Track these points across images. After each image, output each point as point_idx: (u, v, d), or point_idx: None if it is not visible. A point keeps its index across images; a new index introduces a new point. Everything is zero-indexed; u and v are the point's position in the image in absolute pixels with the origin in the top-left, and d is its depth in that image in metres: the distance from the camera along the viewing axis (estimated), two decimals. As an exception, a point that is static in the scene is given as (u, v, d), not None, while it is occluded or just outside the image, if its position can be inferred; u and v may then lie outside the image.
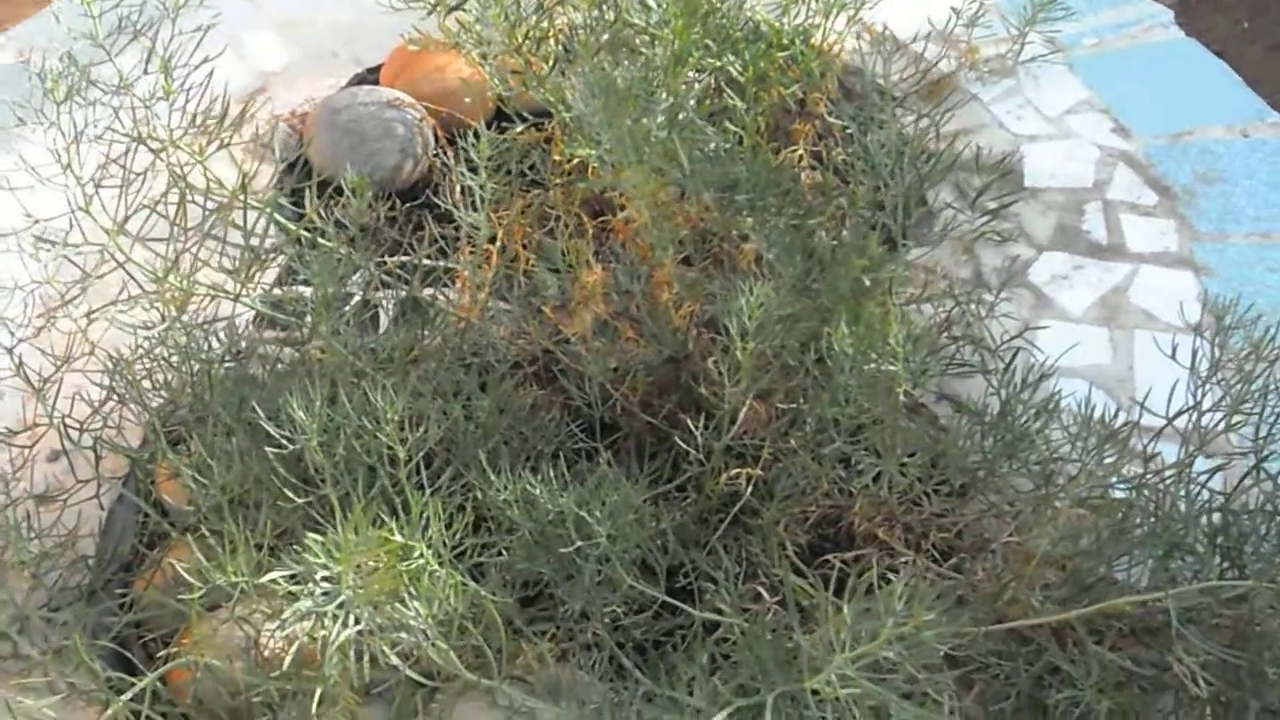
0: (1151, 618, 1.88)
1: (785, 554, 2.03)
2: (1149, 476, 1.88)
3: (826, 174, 2.62)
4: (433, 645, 1.71)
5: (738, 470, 2.11)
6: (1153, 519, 1.82)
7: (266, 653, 1.91)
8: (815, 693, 1.50)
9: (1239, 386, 1.81)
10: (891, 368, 2.03)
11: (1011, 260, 2.57)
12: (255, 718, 1.85)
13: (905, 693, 1.55)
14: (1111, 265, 2.55)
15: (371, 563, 1.69)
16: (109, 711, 1.81)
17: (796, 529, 2.12)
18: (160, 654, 2.02)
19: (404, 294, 2.44)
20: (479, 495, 1.91)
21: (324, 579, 1.62)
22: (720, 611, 1.74)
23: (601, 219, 2.62)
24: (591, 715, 1.70)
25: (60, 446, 2.17)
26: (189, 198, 2.04)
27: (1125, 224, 2.63)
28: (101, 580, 2.13)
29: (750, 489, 2.09)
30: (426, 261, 2.46)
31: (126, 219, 1.99)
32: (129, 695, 1.82)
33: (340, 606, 1.62)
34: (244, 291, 2.07)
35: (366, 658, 1.71)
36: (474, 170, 2.35)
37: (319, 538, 1.61)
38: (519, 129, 2.73)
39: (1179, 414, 1.85)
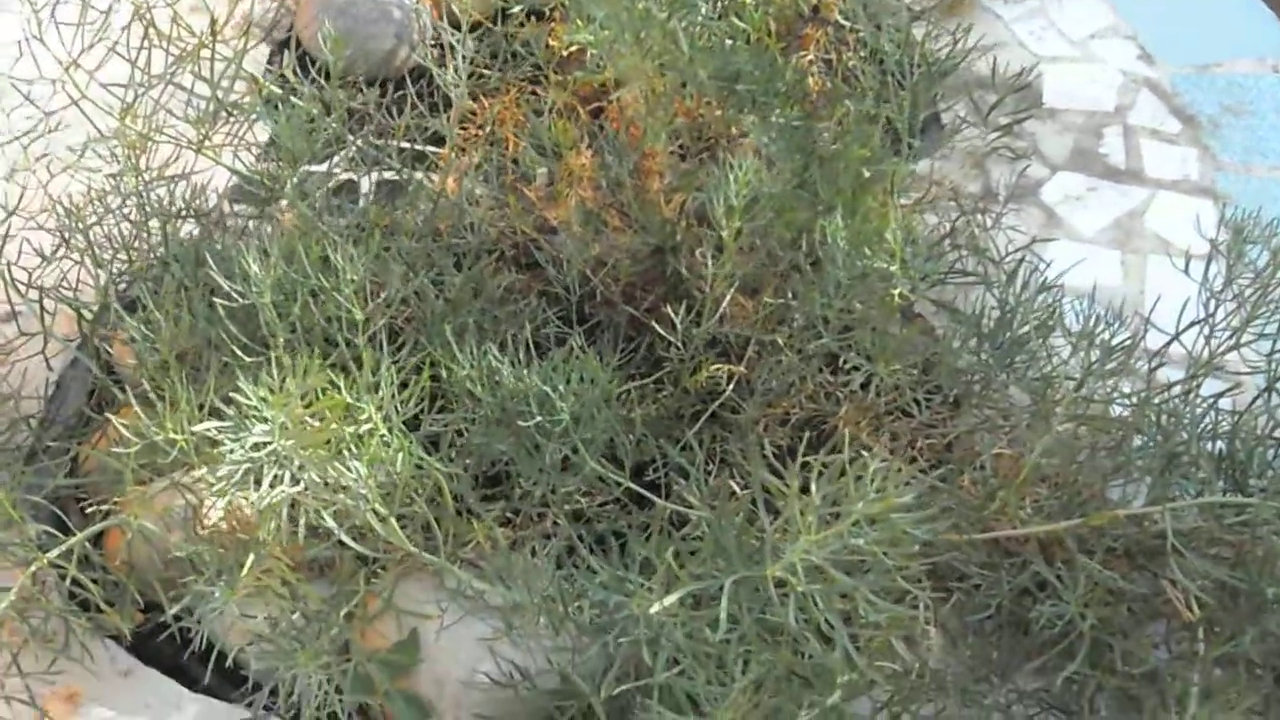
0: (1146, 539, 1.76)
1: (763, 453, 1.91)
2: (1152, 395, 1.75)
3: (835, 80, 2.50)
4: (372, 511, 1.60)
5: (718, 366, 1.99)
6: (1155, 437, 1.70)
7: (208, 524, 1.80)
8: (781, 585, 1.38)
9: (1254, 296, 1.68)
10: (886, 266, 1.92)
11: (1022, 175, 2.44)
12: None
13: (876, 590, 1.44)
14: (1128, 189, 2.43)
15: (314, 420, 1.59)
16: (31, 569, 1.70)
17: (777, 429, 2.00)
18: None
19: (384, 174, 2.32)
20: (443, 373, 1.80)
21: (259, 431, 1.51)
22: (688, 505, 1.61)
23: (596, 108, 2.50)
24: (540, 599, 1.59)
25: (9, 305, 2.05)
26: (155, 43, 1.91)
27: (1145, 150, 2.51)
28: (44, 443, 2.02)
29: (731, 386, 1.98)
30: (409, 145, 2.35)
31: (82, 53, 1.87)
32: (55, 553, 1.71)
33: (273, 457, 1.50)
34: (206, 142, 1.95)
35: (303, 521, 1.59)
36: (470, 60, 2.25)
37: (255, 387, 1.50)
38: (519, 21, 2.61)
39: (1189, 326, 1.73)
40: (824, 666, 1.48)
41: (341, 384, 1.62)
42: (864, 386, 1.96)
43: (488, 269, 2.09)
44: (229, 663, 1.79)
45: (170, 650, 1.85)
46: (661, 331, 1.95)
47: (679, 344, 1.93)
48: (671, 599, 1.41)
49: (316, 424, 1.55)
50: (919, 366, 2.00)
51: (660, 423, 1.96)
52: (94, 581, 1.79)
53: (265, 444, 1.52)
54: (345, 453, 1.58)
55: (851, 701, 1.51)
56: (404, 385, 1.71)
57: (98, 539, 1.85)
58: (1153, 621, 1.68)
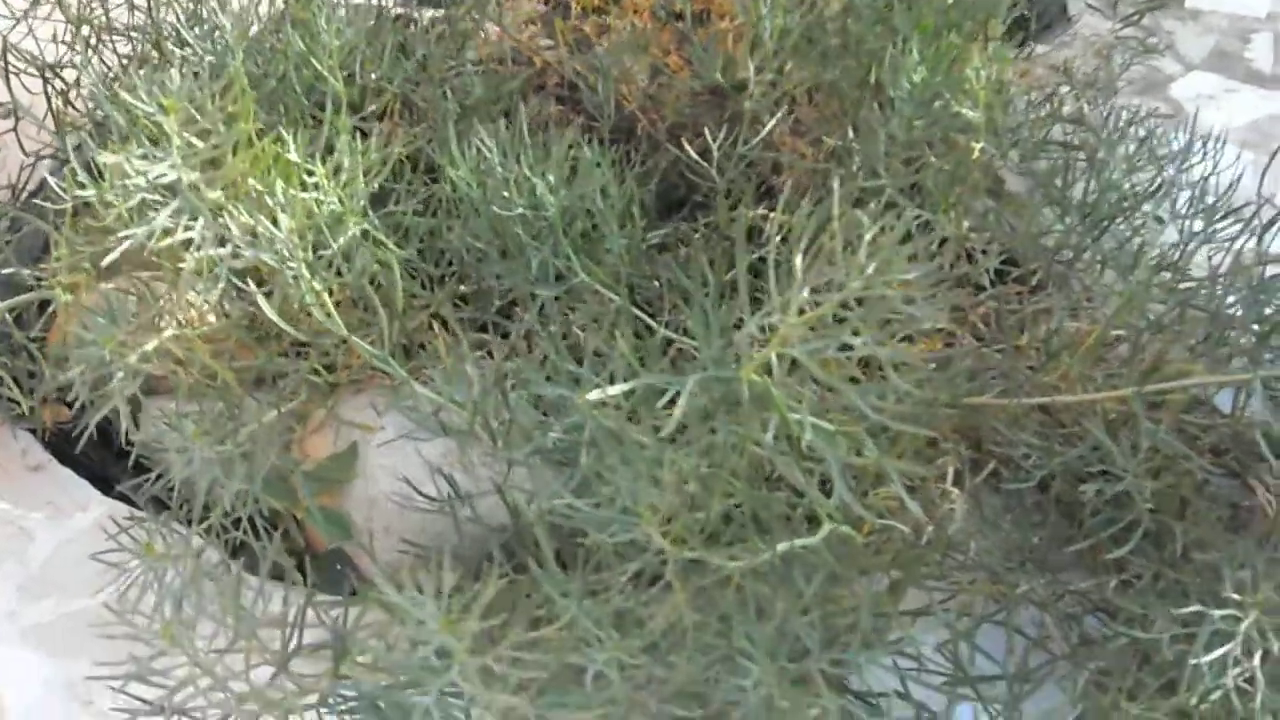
0: (1232, 435, 1.45)
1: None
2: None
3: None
4: (298, 278, 1.36)
5: (764, 212, 1.72)
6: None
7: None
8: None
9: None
10: (968, 113, 1.64)
11: (1152, 68, 2.14)
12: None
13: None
14: (1272, 94, 2.11)
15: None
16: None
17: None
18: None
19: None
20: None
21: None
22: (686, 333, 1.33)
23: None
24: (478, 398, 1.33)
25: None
26: None
27: (1297, 59, 2.19)
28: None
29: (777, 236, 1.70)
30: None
31: None
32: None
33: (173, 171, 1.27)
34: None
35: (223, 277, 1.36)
36: None
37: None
38: None
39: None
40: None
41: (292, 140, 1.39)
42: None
43: (519, 88, 1.84)
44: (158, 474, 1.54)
45: (99, 456, 1.63)
46: (692, 154, 1.68)
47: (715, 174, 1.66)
48: (617, 390, 1.14)
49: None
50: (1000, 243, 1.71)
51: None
52: (30, 374, 1.59)
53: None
54: (270, 201, 1.34)
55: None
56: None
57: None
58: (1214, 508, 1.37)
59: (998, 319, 1.61)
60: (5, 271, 1.67)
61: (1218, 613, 1.11)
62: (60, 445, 1.65)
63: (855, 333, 1.08)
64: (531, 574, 1.13)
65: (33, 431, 1.65)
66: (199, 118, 1.31)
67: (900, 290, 1.08)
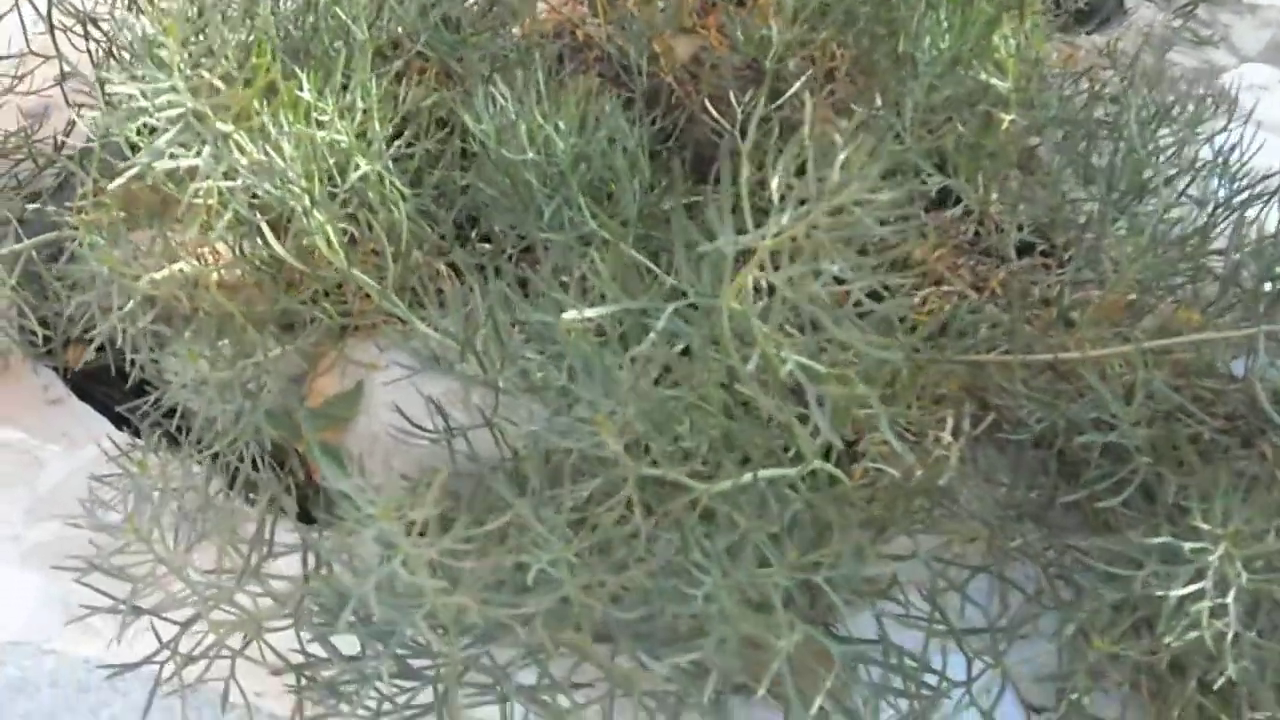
0: (1247, 402, 1.42)
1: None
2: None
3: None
4: (304, 212, 1.37)
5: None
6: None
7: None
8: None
9: None
10: (996, 83, 1.64)
11: (1204, 60, 2.11)
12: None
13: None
14: (1328, 89, 2.07)
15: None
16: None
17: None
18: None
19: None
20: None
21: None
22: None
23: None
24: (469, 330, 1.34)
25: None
26: None
27: (1355, 55, 2.15)
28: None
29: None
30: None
31: None
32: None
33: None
34: None
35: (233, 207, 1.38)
36: None
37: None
38: None
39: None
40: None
41: (306, 81, 1.42)
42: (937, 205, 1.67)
43: (555, 54, 1.85)
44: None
45: (120, 396, 1.65)
46: (719, 119, 1.68)
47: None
48: (594, 312, 1.14)
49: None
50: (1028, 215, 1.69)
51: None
52: (57, 315, 1.63)
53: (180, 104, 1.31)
54: (275, 132, 1.36)
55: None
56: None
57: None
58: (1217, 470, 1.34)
59: (1012, 283, 1.58)
60: (41, 214, 1.71)
61: (1188, 545, 1.08)
62: (82, 384, 1.68)
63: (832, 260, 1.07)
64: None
65: (55, 370, 1.68)
66: (211, 50, 1.34)
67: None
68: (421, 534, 0.99)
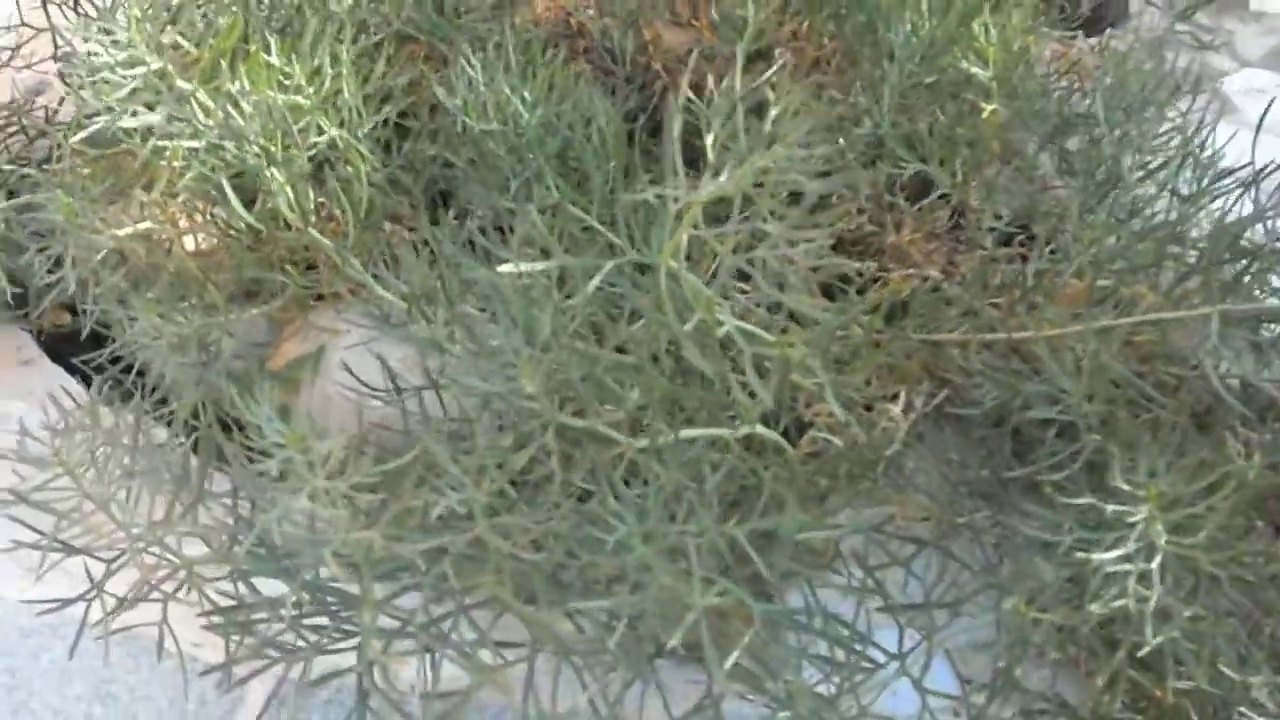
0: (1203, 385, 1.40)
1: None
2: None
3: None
4: (264, 169, 1.38)
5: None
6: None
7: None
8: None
9: None
10: (976, 71, 1.64)
11: (1203, 64, 2.09)
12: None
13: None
14: (1328, 94, 2.05)
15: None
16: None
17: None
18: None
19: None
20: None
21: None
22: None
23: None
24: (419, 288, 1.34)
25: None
26: None
27: (1359, 64, 2.12)
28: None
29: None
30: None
31: None
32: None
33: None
34: None
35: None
36: None
37: None
38: None
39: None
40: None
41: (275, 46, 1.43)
42: (914, 197, 1.66)
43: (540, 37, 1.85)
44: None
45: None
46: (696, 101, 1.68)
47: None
48: (530, 267, 1.14)
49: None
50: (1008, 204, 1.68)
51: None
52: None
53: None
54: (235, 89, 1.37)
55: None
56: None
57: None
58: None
59: (977, 265, 1.57)
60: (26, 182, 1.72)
61: (1110, 506, 1.06)
62: (58, 347, 1.69)
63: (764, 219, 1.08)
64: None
65: (30, 332, 1.69)
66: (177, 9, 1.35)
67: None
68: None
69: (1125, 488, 1.05)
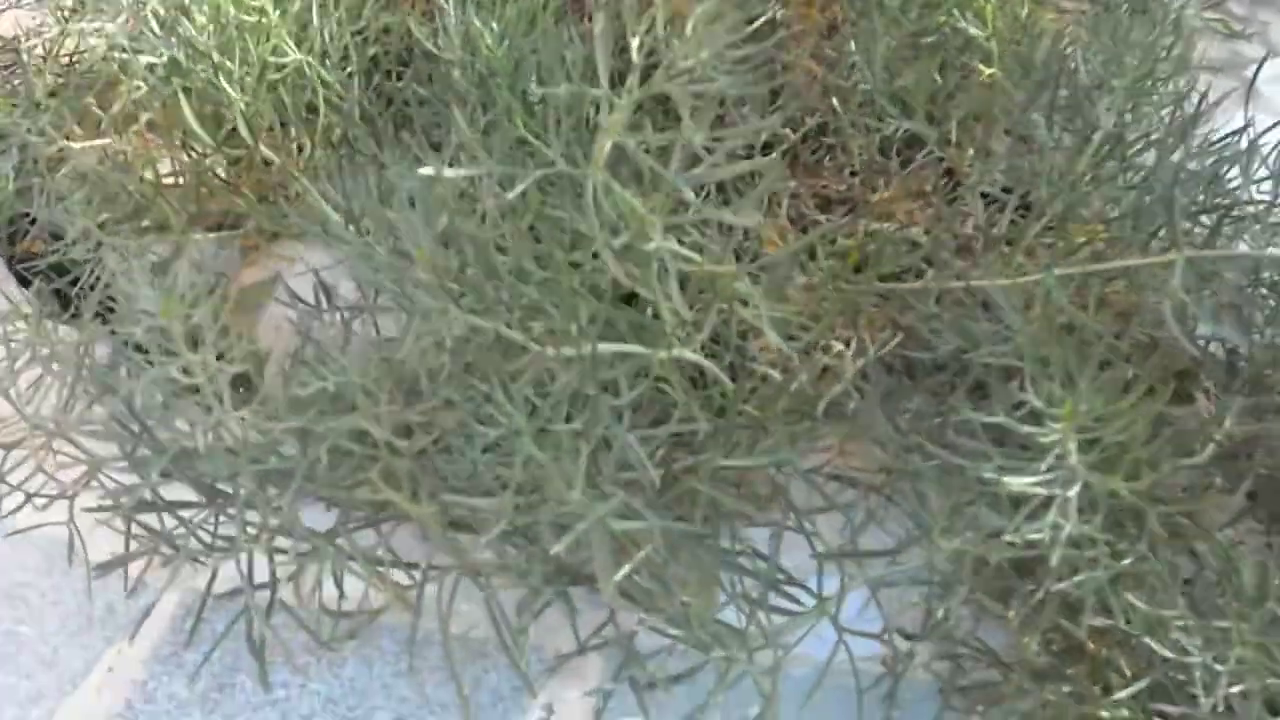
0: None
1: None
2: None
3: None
4: (216, 81, 1.37)
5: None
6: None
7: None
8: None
9: None
10: (972, 30, 1.60)
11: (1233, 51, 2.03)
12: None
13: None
14: (1359, 84, 1.97)
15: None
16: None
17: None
18: None
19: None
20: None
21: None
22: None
23: None
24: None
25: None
26: None
27: (1398, 55, 2.05)
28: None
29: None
30: None
31: None
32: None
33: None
34: None
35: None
36: None
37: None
38: None
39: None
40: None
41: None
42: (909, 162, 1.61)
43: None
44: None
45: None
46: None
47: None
48: (454, 172, 1.11)
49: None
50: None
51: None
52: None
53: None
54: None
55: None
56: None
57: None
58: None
59: (943, 215, 1.52)
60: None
61: (1025, 428, 1.01)
62: (25, 274, 1.68)
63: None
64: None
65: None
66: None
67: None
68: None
69: (1038, 403, 0.99)
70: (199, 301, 0.95)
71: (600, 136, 1.03)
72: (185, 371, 0.97)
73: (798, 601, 1.17)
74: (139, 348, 1.04)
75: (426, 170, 1.10)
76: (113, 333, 1.06)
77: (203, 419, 0.99)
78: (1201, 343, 1.34)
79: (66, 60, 1.59)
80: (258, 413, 1.00)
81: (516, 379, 1.07)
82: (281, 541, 1.13)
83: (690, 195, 1.11)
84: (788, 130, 1.67)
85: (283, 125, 1.51)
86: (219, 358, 0.98)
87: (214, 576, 1.17)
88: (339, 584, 1.20)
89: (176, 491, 1.14)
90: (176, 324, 0.96)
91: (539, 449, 1.03)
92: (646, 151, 1.05)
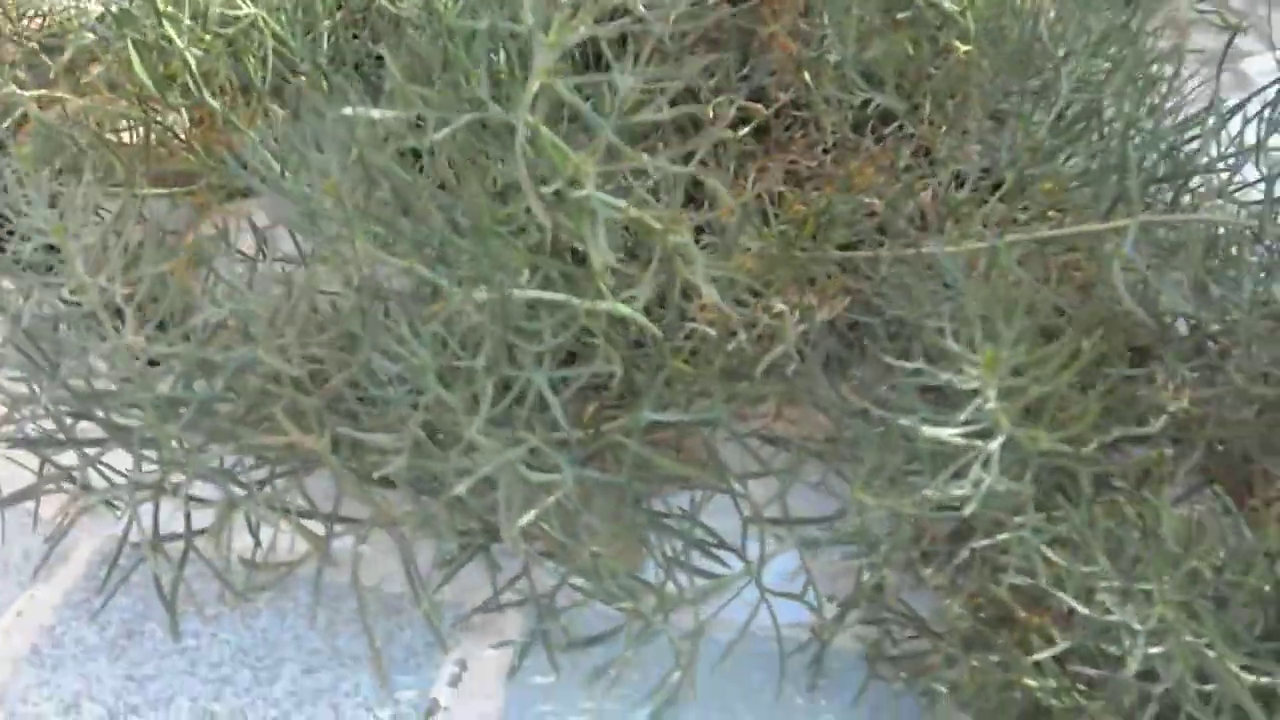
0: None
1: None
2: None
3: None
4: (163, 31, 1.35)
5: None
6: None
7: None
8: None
9: None
10: (947, 4, 1.57)
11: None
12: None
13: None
14: (1354, 81, 1.93)
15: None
16: None
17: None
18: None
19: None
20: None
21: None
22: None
23: None
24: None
25: None
26: None
27: (1395, 48, 2.01)
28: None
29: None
30: None
31: None
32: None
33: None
34: None
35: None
36: None
37: None
38: None
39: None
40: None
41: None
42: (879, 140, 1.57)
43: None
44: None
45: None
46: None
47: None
48: (380, 113, 1.08)
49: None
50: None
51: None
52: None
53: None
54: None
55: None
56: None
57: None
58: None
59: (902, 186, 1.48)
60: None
61: (944, 374, 0.97)
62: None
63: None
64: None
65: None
66: None
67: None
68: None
69: (956, 348, 0.95)
70: (90, 228, 0.93)
71: (531, 79, 1.01)
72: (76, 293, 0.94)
73: (726, 565, 1.14)
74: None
75: (346, 110, 1.07)
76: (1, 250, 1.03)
77: (95, 344, 0.96)
78: (1167, 319, 1.29)
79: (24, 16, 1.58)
80: (155, 339, 0.97)
81: (428, 321, 1.03)
82: (200, 490, 1.11)
83: (618, 142, 1.08)
84: (759, 105, 1.64)
85: (240, 84, 1.48)
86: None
87: (130, 523, 1.14)
88: (254, 533, 1.17)
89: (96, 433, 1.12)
90: (70, 242, 0.93)
91: (446, 389, 1.00)
92: (586, 99, 1.02)
